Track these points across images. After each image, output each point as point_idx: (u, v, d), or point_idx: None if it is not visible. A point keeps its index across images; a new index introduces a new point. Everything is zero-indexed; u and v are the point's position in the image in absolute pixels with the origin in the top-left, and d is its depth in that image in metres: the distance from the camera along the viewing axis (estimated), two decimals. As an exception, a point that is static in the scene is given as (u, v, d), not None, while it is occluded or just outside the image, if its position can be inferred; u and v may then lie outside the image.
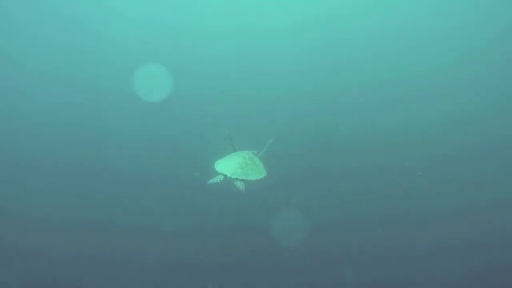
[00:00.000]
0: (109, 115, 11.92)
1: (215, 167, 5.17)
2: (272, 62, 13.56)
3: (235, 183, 4.93)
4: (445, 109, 11.64)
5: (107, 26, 13.76)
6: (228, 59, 13.68)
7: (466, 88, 12.25)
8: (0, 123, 11.19)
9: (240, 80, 13.28)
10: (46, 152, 10.53)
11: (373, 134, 11.14)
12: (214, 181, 4.97)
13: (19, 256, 7.82)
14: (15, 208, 8.84)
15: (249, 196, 4.94)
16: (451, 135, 11.07)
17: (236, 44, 13.99)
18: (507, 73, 12.12)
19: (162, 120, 11.79)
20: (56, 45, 13.00)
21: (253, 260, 7.92)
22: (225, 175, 4.97)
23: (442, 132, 11.19)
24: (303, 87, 12.68)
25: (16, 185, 9.47)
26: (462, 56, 12.80)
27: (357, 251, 8.23)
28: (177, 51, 13.52)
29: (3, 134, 10.89)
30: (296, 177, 9.43)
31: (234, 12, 14.01)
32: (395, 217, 8.86)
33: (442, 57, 13.00)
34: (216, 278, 7.68)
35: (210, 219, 8.51)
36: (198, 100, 12.49)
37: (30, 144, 10.76)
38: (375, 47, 13.57)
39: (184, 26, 13.94)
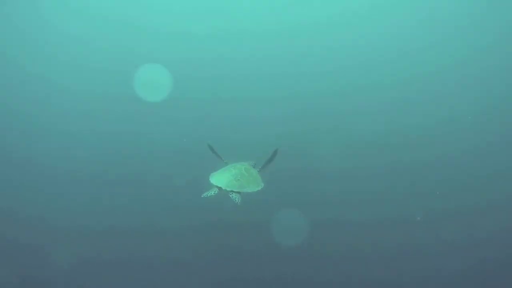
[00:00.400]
0: (107, 118, 11.74)
1: (209, 179, 4.91)
2: (273, 65, 13.35)
3: (231, 196, 4.67)
4: (446, 111, 11.53)
5: (106, 30, 13.46)
6: (228, 61, 13.43)
7: (463, 91, 12.07)
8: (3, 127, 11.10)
9: (241, 83, 13.06)
10: (48, 156, 10.42)
11: (372, 136, 11.01)
12: (209, 195, 4.72)
13: (20, 256, 7.71)
14: (17, 209, 8.73)
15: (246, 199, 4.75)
16: (450, 136, 10.99)
17: (237, 47, 13.74)
18: (503, 76, 11.90)
19: (162, 122, 11.63)
20: (55, 48, 12.81)
21: (251, 258, 7.82)
22: (219, 188, 4.72)
23: (441, 134, 11.09)
24: (302, 90, 12.47)
25: (19, 188, 9.37)
26: (458, 61, 12.61)
27: (358, 251, 8.15)
28: (176, 54, 13.25)
29: (7, 138, 10.82)
30: (294, 178, 9.26)
31: (233, 15, 13.78)
32: (397, 217, 8.77)
33: (437, 61, 12.78)
34: (215, 277, 7.58)
35: (208, 218, 8.33)
36: (197, 103, 12.27)
37: (34, 148, 10.66)
38: (372, 51, 13.39)
39: (183, 29, 13.66)
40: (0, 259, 7.66)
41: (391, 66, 13.03)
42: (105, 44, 13.24)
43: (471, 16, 12.74)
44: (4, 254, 7.71)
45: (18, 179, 9.65)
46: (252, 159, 5.65)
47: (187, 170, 8.72)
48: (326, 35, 13.49)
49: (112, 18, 13.46)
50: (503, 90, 11.57)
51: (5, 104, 11.48)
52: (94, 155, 10.62)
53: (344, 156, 10.27)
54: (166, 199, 9.11)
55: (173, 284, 7.58)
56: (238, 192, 4.70)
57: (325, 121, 11.38)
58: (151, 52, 13.03)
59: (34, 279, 7.37)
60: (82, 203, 9.10)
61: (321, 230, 8.13)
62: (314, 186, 9.37)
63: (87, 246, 7.94)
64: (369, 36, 13.45)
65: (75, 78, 12.46)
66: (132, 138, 11.31)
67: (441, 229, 8.42)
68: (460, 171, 9.91)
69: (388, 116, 11.69)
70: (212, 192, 4.73)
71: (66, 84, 12.28)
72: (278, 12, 13.77)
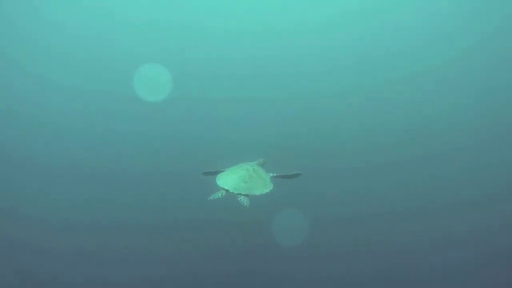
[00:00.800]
0: (108, 117, 11.49)
1: (216, 181, 4.65)
2: (275, 64, 13.14)
3: (239, 199, 4.42)
4: (445, 108, 11.49)
5: (106, 28, 13.18)
6: (230, 60, 13.20)
7: (463, 87, 12.04)
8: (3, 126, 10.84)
9: (243, 82, 12.81)
10: (47, 155, 10.18)
11: (370, 134, 10.93)
12: (215, 197, 4.47)
13: (20, 255, 7.52)
14: (16, 208, 8.53)
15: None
16: (448, 133, 10.93)
17: (240, 46, 13.50)
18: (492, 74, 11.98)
19: (163, 121, 11.40)
20: (56, 49, 12.53)
21: (252, 258, 7.61)
22: (227, 190, 4.47)
23: (440, 131, 11.03)
24: (302, 90, 12.30)
25: (19, 187, 9.16)
26: (456, 58, 12.58)
27: (358, 249, 8.05)
28: (177, 52, 12.99)
29: (7, 137, 10.57)
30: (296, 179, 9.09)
31: (235, 14, 13.53)
32: (396, 214, 8.72)
33: (432, 58, 12.75)
34: (214, 276, 7.40)
35: (208, 217, 8.05)
36: (199, 102, 12.03)
37: (33, 147, 10.40)
38: (369, 50, 13.29)
39: (184, 27, 13.40)
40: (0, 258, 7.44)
41: (390, 65, 12.95)
42: (104, 43, 12.98)
43: (465, 16, 12.73)
44: (3, 254, 7.49)
45: (18, 178, 9.40)
46: (259, 156, 5.42)
47: (189, 170, 8.53)
48: (325, 35, 13.38)
49: (112, 18, 13.19)
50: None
51: (5, 103, 11.21)
52: (94, 154, 10.39)
53: (344, 155, 10.18)
54: (166, 198, 8.90)
55: (173, 282, 7.36)
56: (246, 195, 4.45)
57: (325, 121, 11.25)
58: (151, 52, 12.77)
59: (34, 278, 7.19)
60: (82, 202, 8.89)
61: (321, 229, 7.98)
62: (314, 185, 9.12)
63: (88, 245, 7.77)
64: (368, 36, 13.36)
65: (75, 78, 12.20)
66: (133, 137, 11.06)
67: (440, 224, 8.37)
68: (458, 167, 9.88)
69: (387, 115, 11.61)
70: (219, 195, 4.48)
71: (65, 83, 12.01)
72: (278, 12, 13.59)
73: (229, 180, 4.51)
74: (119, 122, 11.42)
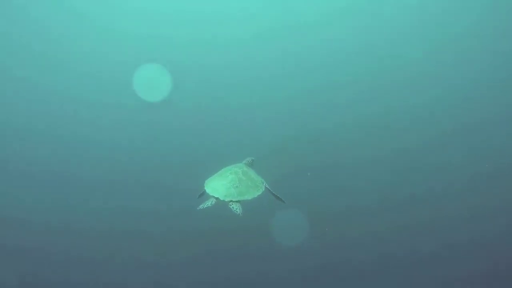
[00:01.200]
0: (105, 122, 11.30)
1: (205, 188, 4.22)
2: (268, 68, 12.95)
3: (230, 206, 4.01)
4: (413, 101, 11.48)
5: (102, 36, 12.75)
6: (225, 67, 12.99)
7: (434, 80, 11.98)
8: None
9: (230, 86, 12.60)
10: (46, 159, 10.07)
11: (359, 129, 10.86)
12: (205, 206, 4.05)
13: (20, 257, 7.52)
14: (16, 212, 8.48)
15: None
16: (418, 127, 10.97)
17: (230, 52, 13.28)
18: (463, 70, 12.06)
19: (152, 127, 11.22)
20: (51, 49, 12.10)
21: (251, 259, 7.57)
22: (217, 198, 4.05)
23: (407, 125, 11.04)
24: (289, 91, 12.19)
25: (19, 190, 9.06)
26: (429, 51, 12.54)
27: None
28: (175, 59, 12.59)
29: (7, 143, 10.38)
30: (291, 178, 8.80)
31: (229, 21, 13.29)
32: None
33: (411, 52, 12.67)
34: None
35: (206, 221, 7.72)
36: (195, 107, 11.83)
37: (35, 152, 10.22)
38: (356, 45, 13.10)
39: (182, 35, 13.11)
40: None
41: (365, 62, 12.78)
42: (103, 50, 12.57)
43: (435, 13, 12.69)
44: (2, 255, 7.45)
45: (17, 182, 9.29)
46: (247, 155, 5.04)
47: (184, 174, 8.20)
48: (300, 38, 13.20)
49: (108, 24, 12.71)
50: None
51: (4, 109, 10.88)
52: (94, 160, 10.21)
53: (331, 151, 10.13)
54: (165, 202, 8.71)
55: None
56: (238, 201, 4.04)
57: (311, 120, 11.23)
58: (150, 58, 12.29)
59: (33, 279, 7.19)
60: (82, 205, 8.80)
61: (317, 228, 7.88)
62: (303, 184, 9.05)
63: (87, 247, 7.74)
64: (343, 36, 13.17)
65: (76, 83, 11.86)
66: (132, 142, 10.88)
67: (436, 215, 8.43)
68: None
69: (368, 110, 11.46)
70: (209, 203, 4.05)
71: (64, 89, 11.66)
72: (274, 17, 13.41)
73: (218, 186, 4.08)
74: (109, 129, 11.13)
